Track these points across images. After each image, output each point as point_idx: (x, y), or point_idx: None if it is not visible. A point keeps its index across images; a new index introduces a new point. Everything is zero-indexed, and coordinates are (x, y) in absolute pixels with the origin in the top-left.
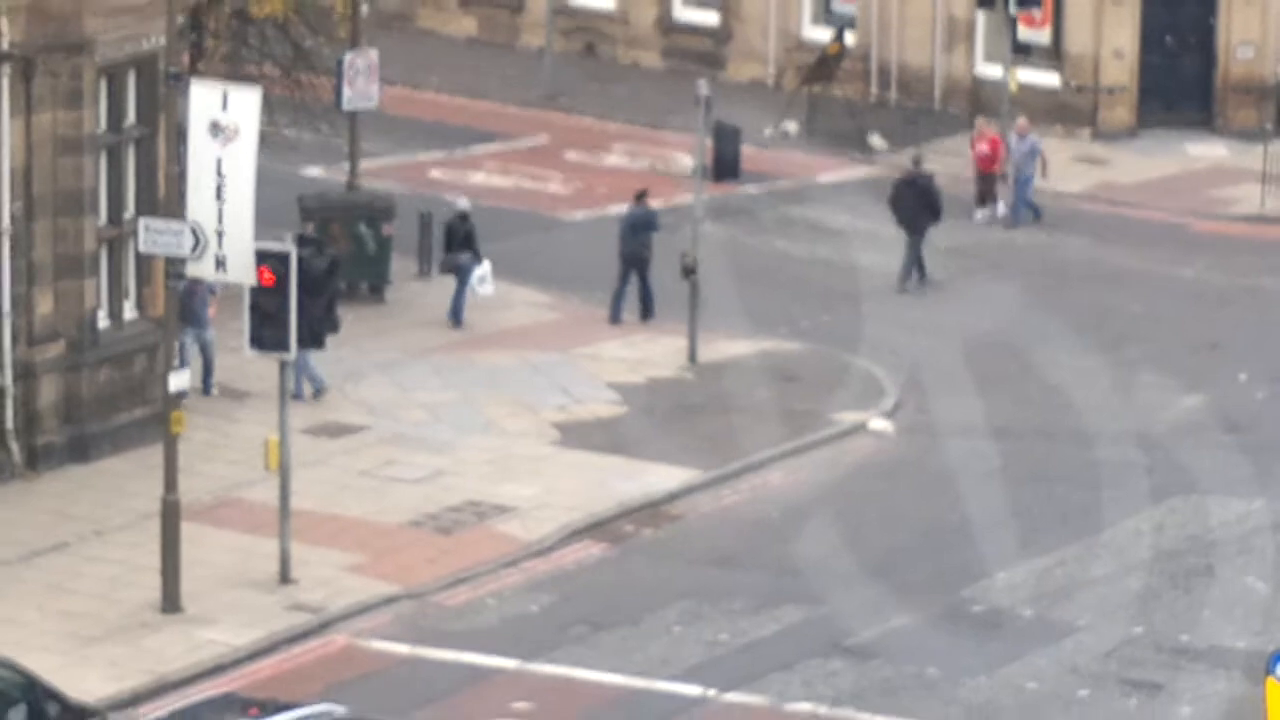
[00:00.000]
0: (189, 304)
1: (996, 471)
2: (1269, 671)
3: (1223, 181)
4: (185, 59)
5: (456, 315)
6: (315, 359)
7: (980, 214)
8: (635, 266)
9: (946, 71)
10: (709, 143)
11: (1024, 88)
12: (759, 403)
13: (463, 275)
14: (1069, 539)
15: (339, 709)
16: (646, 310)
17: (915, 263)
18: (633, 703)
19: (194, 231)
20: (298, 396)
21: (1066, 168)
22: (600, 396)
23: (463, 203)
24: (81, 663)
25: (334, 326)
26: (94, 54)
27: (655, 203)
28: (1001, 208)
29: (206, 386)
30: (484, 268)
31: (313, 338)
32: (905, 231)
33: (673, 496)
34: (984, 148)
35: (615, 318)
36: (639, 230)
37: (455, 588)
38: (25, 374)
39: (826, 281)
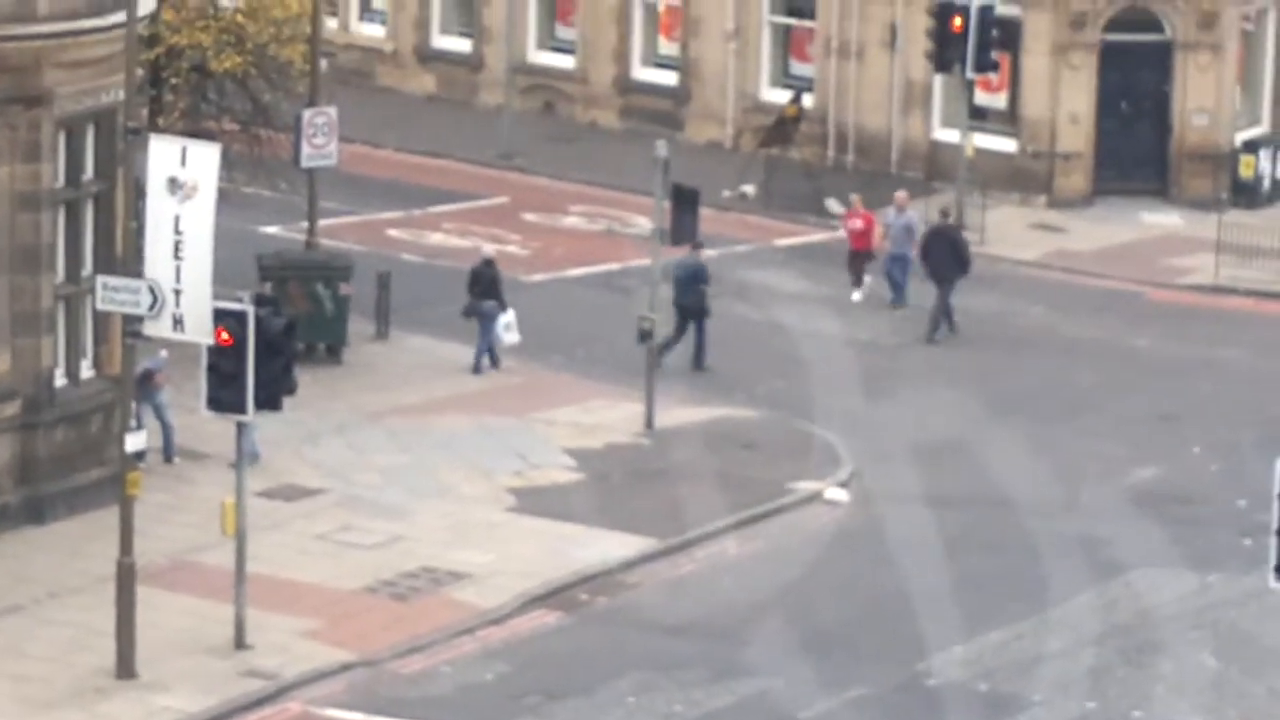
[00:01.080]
0: (143, 386)
1: (952, 542)
2: None
3: (1177, 250)
4: (144, 113)
5: (479, 362)
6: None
7: (857, 294)
8: (695, 317)
9: (904, 135)
10: (666, 205)
11: (980, 153)
12: (715, 470)
13: (486, 323)
14: (1024, 612)
15: None
16: (698, 361)
17: (945, 313)
18: None
19: (152, 290)
20: (256, 457)
21: (1022, 234)
22: (557, 462)
23: (487, 249)
24: None
25: (290, 388)
26: (53, 107)
27: (613, 265)
28: (858, 295)
29: (168, 454)
30: (509, 315)
31: (268, 400)
32: (934, 282)
33: (628, 565)
34: (858, 224)
35: (661, 359)
36: (697, 280)
37: (410, 655)
38: None
39: (784, 347)
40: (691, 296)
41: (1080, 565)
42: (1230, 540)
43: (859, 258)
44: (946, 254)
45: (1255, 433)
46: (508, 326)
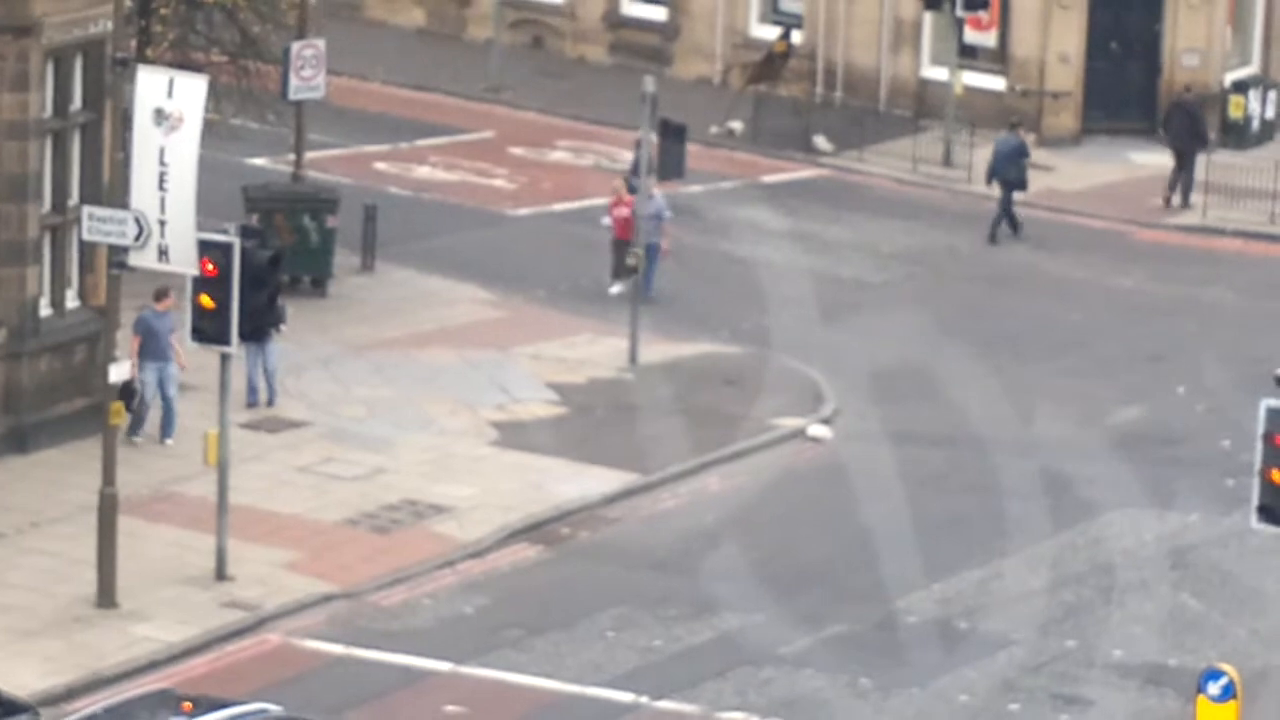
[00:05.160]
0: (152, 341)
1: (934, 481)
2: (1200, 689)
3: (1165, 190)
4: (133, 44)
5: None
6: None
7: (616, 287)
8: (1009, 189)
9: (893, 73)
10: (654, 140)
11: (969, 91)
12: (698, 406)
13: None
14: (1005, 551)
15: (274, 708)
16: (1014, 226)
17: (1189, 181)
18: (565, 708)
19: (137, 220)
20: (253, 402)
21: None
22: (539, 396)
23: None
24: (15, 656)
25: (279, 320)
26: (41, 37)
27: (599, 200)
28: (616, 288)
29: (165, 432)
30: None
31: (254, 331)
32: (1173, 154)
33: (609, 500)
34: (623, 211)
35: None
36: (1016, 157)
37: (391, 588)
38: None
39: (769, 284)
40: (1006, 170)
41: (1062, 504)
42: (1214, 481)
43: (621, 247)
44: (1186, 127)
45: (1240, 373)
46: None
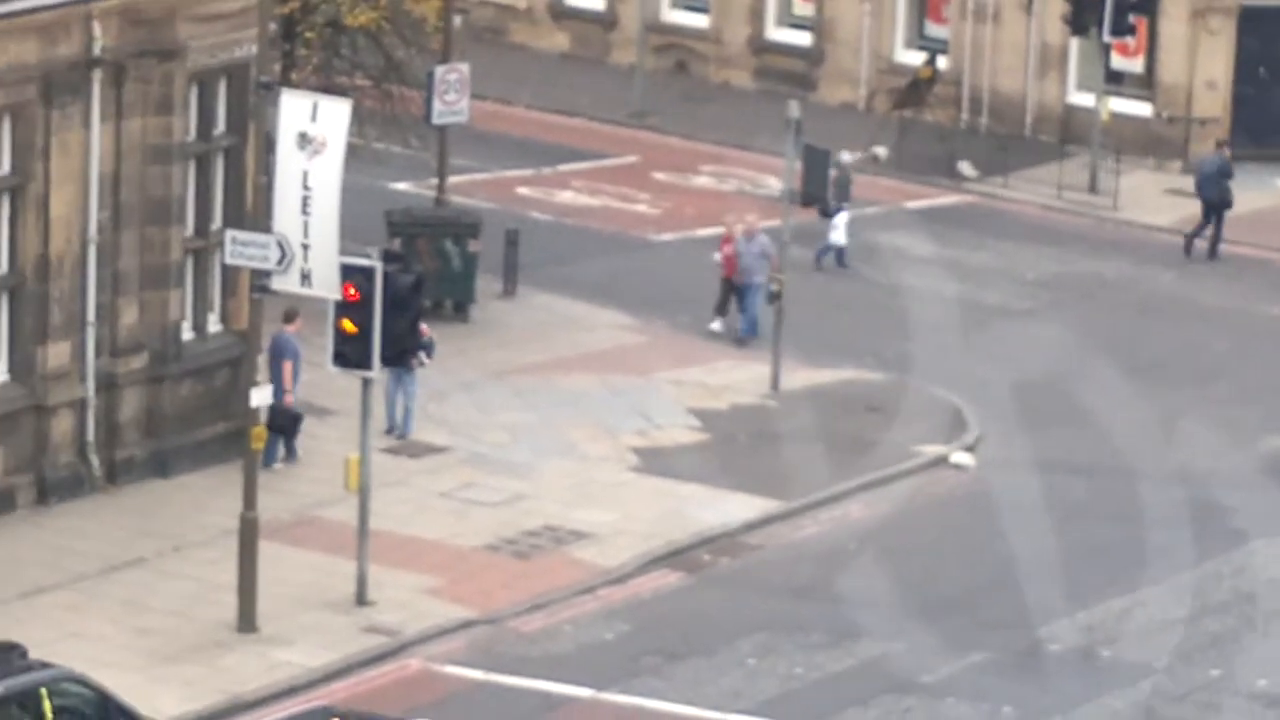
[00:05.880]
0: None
1: (1078, 508)
2: None
3: None
4: (277, 68)
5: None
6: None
7: (717, 324)
8: (1217, 210)
9: (1038, 99)
10: (798, 166)
11: (1115, 117)
12: (841, 433)
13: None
14: (1149, 579)
15: None
16: (1202, 248)
17: None
18: None
19: (280, 244)
20: (390, 430)
21: (1156, 200)
22: (681, 422)
23: (844, 155)
24: (156, 681)
25: (428, 352)
26: (186, 61)
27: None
28: (717, 324)
29: (290, 451)
30: (844, 215)
31: (396, 356)
32: None
33: (751, 526)
34: (730, 250)
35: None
36: (1219, 177)
37: (531, 614)
38: (108, 385)
39: (912, 310)
40: (1215, 191)
41: (1207, 533)
42: None
43: (727, 285)
44: None
45: None
46: (834, 227)
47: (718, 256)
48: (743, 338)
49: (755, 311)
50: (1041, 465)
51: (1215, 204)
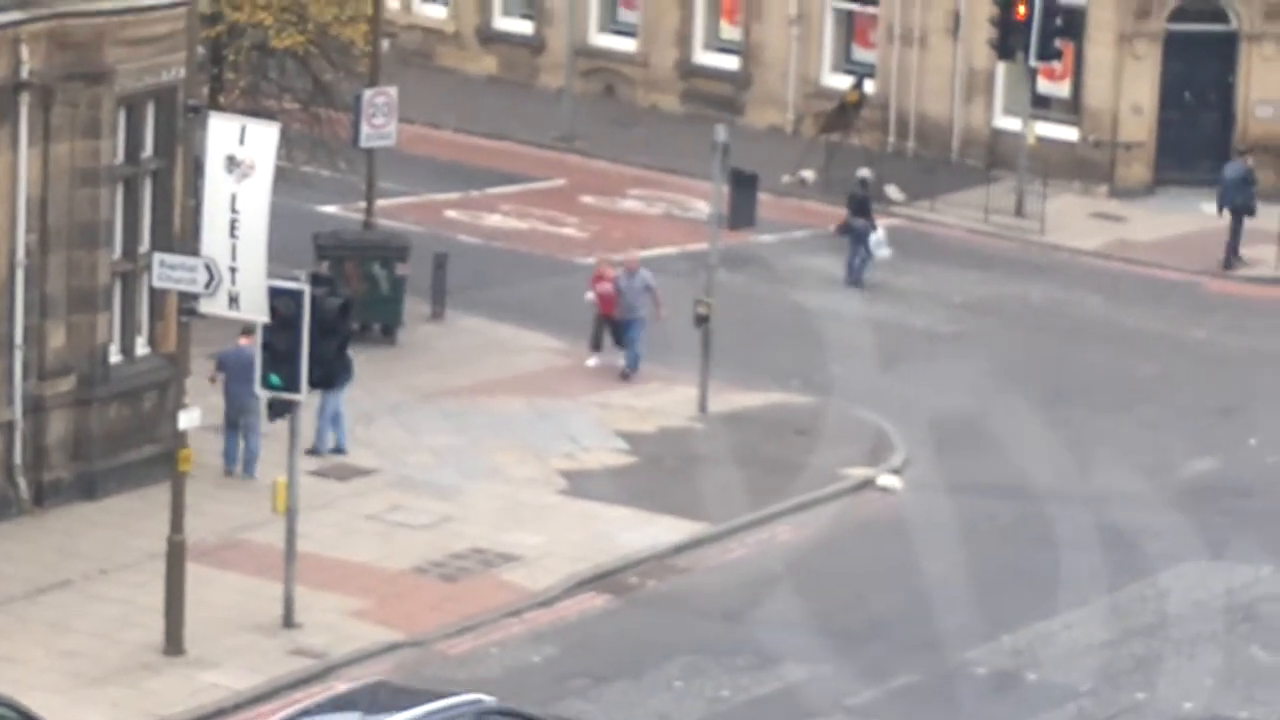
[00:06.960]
0: (234, 392)
1: (1003, 532)
2: None
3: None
4: (205, 91)
5: (856, 277)
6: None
7: (593, 360)
8: (1237, 216)
9: (965, 123)
10: (725, 189)
11: (1042, 141)
12: (768, 455)
13: (858, 239)
14: (1074, 603)
15: (487, 699)
16: (1235, 256)
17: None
18: None
19: (208, 267)
20: (315, 451)
21: (1083, 223)
22: (608, 445)
23: (864, 171)
24: (82, 703)
25: (348, 373)
26: (114, 84)
27: (669, 249)
28: (594, 360)
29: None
30: (880, 233)
31: (324, 379)
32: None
33: (678, 549)
34: (606, 287)
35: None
36: (1243, 184)
37: (458, 636)
38: (35, 408)
39: (839, 334)
40: (1240, 198)
41: (1132, 556)
42: None
43: (603, 322)
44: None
45: None
46: (879, 243)
47: (590, 295)
48: (628, 372)
49: (638, 347)
50: (968, 489)
51: (1239, 210)
